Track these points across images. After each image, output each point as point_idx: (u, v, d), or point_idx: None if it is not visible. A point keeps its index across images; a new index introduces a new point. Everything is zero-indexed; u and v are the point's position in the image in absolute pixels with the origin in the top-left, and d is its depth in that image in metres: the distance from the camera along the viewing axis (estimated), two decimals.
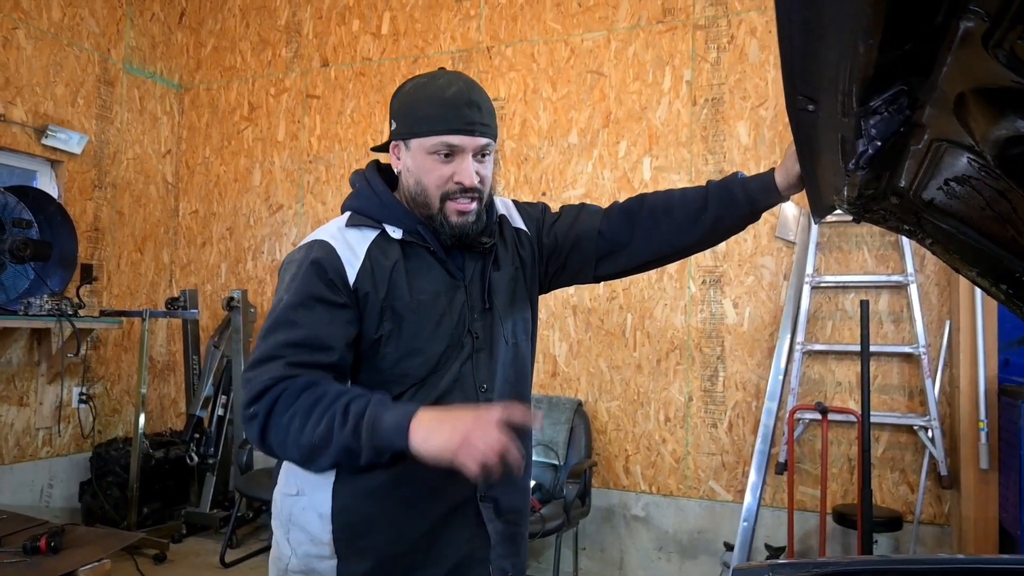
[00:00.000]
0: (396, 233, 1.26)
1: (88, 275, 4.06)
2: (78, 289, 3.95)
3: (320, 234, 1.27)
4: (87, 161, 4.22)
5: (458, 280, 1.29)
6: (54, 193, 4.04)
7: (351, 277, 1.20)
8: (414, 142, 1.24)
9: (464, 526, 1.26)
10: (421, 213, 1.27)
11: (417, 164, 1.25)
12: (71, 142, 4.05)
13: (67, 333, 3.70)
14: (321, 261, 1.20)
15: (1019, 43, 0.51)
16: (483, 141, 1.24)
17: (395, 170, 1.31)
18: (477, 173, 1.24)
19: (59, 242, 3.82)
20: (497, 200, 1.41)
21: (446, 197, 1.24)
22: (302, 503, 1.24)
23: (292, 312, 1.18)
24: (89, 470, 4.03)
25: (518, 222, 1.43)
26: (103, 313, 4.10)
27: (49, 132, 3.93)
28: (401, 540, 1.23)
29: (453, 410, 1.06)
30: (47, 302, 3.63)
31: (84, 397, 4.15)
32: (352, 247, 1.24)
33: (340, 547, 1.22)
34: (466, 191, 1.23)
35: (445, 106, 1.22)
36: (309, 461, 1.11)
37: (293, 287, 1.20)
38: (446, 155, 1.22)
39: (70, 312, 3.68)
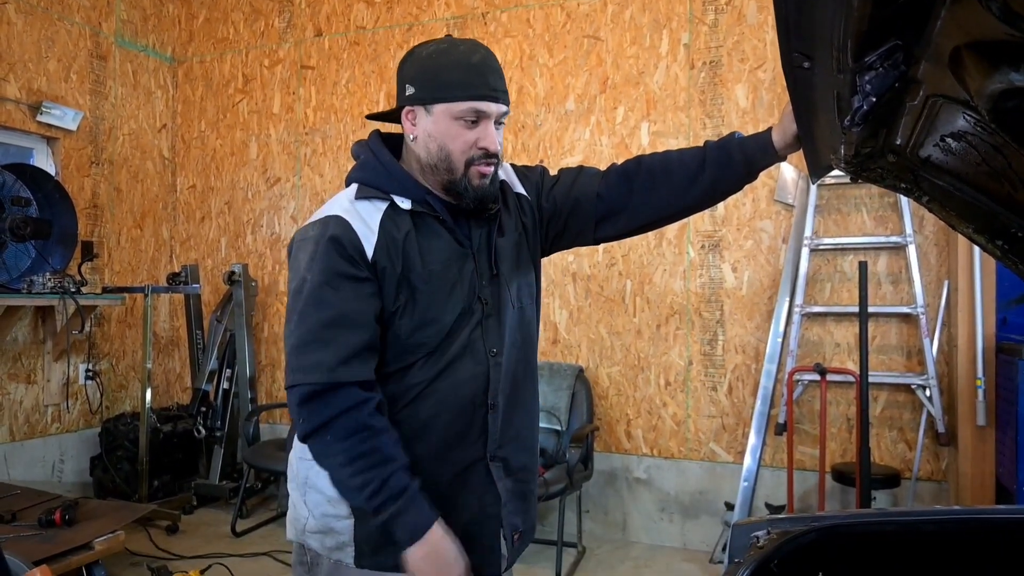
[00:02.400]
0: (405, 204, 1.27)
1: (89, 252, 4.06)
2: (79, 266, 3.96)
3: (333, 209, 1.28)
4: (83, 137, 4.20)
5: (466, 248, 1.31)
6: (51, 170, 4.03)
7: (369, 252, 1.22)
8: (438, 107, 1.24)
9: (476, 484, 1.30)
10: (439, 180, 1.28)
11: (441, 129, 1.25)
12: (66, 118, 4.02)
13: (71, 310, 3.72)
14: (340, 237, 1.22)
15: None
16: (505, 108, 1.27)
17: (410, 136, 1.29)
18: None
19: (59, 220, 3.82)
20: None
21: (470, 163, 1.25)
22: (316, 466, 1.27)
23: (319, 291, 1.20)
24: (99, 445, 4.08)
25: (518, 187, 1.43)
26: (105, 290, 4.12)
27: (44, 109, 3.90)
28: None
29: (449, 549, 1.20)
30: (49, 280, 3.65)
31: (90, 373, 4.19)
32: (366, 221, 1.25)
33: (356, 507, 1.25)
34: (489, 156, 1.25)
35: (472, 72, 1.23)
36: (334, 485, 1.24)
37: (315, 267, 1.21)
38: (472, 121, 1.24)
39: (73, 289, 3.70)
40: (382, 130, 1.40)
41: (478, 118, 1.24)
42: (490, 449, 1.30)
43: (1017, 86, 0.64)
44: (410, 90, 1.27)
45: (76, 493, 3.86)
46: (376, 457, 1.16)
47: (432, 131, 1.25)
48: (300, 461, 1.32)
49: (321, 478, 1.27)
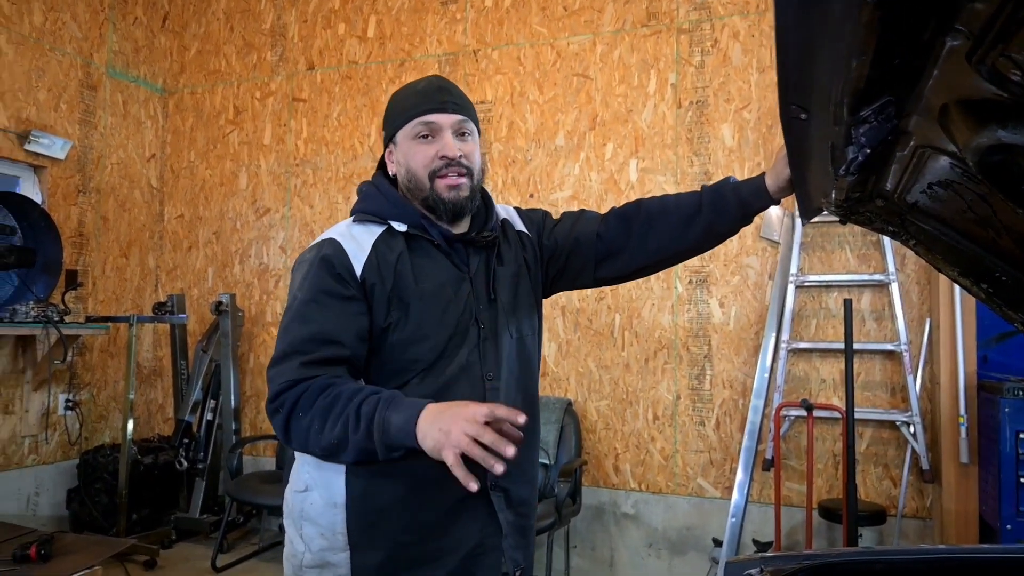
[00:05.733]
0: (401, 227, 1.32)
1: (73, 281, 4.03)
2: (63, 295, 3.92)
3: (329, 233, 1.33)
4: (71, 166, 4.19)
5: (463, 272, 1.33)
6: (38, 199, 4.01)
7: (358, 269, 1.25)
8: (399, 135, 1.33)
9: (476, 516, 1.29)
10: (418, 200, 1.32)
11: (404, 151, 1.32)
12: (54, 147, 4.02)
13: (53, 340, 3.68)
14: (329, 257, 1.26)
15: (1000, 60, 0.54)
16: (458, 117, 1.31)
17: (391, 172, 1.37)
18: (460, 149, 1.30)
19: (43, 248, 3.79)
20: (498, 206, 1.46)
21: (434, 175, 1.30)
22: (311, 498, 1.28)
23: (304, 308, 1.23)
24: (76, 477, 4.00)
25: (520, 226, 1.47)
26: (89, 319, 4.07)
27: (32, 137, 3.90)
28: (413, 529, 1.26)
29: (452, 405, 1.07)
30: (32, 309, 3.61)
31: (70, 404, 4.12)
32: (359, 242, 1.29)
33: (353, 537, 1.25)
34: (451, 164, 1.29)
35: (419, 94, 1.33)
36: (332, 457, 1.17)
37: (305, 285, 1.25)
38: (426, 136, 1.30)
39: (56, 319, 3.66)
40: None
41: (431, 131, 1.30)
42: (491, 478, 1.29)
43: (1003, 142, 0.67)
44: (384, 134, 1.38)
45: (52, 527, 3.77)
46: (341, 400, 1.13)
47: (400, 158, 1.33)
48: (294, 494, 1.32)
49: (315, 509, 1.26)
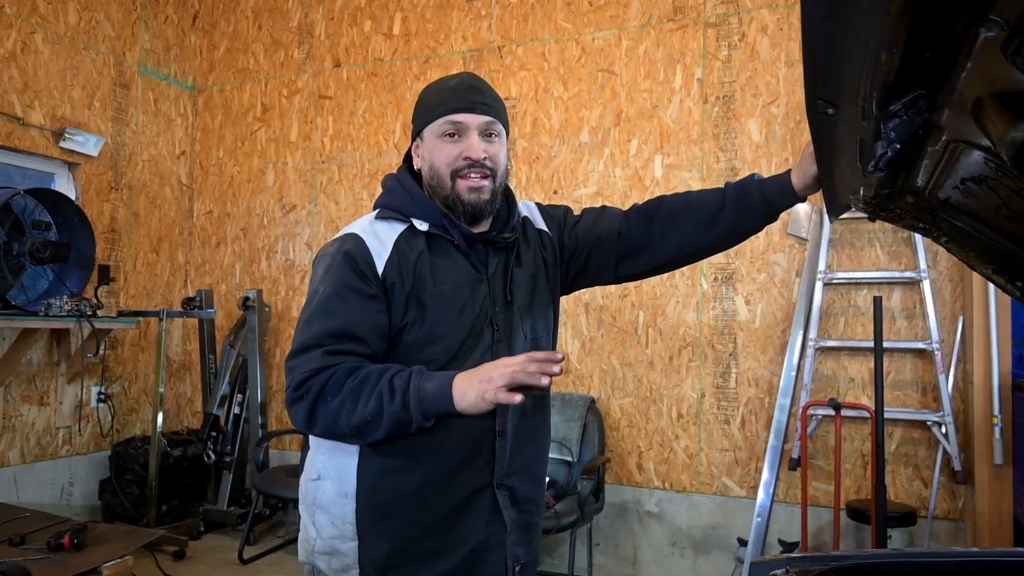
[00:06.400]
0: (423, 226, 1.32)
1: (105, 276, 4.11)
2: (96, 290, 4.00)
3: (352, 228, 1.34)
4: (103, 163, 4.27)
5: (481, 273, 1.33)
6: (71, 195, 4.10)
7: (380, 267, 1.26)
8: (426, 132, 1.33)
9: (481, 512, 1.30)
10: (439, 199, 1.33)
11: (430, 148, 1.33)
12: (88, 144, 4.10)
13: (86, 333, 3.76)
14: (352, 253, 1.27)
15: None
16: (486, 118, 1.31)
17: (417, 167, 1.38)
18: (485, 151, 1.29)
19: (77, 243, 3.87)
20: (520, 203, 1.45)
21: (456, 174, 1.30)
22: (323, 487, 1.30)
23: (327, 302, 1.24)
24: (108, 468, 4.09)
25: (540, 224, 1.46)
26: (121, 313, 4.15)
27: (67, 135, 3.98)
28: (420, 523, 1.27)
29: (485, 364, 1.14)
30: (66, 303, 3.68)
31: (102, 396, 4.21)
32: (381, 239, 1.30)
33: (362, 528, 1.26)
34: (474, 165, 1.29)
35: (449, 92, 1.32)
36: (360, 436, 1.19)
37: (328, 279, 1.26)
38: (453, 135, 1.30)
39: (89, 313, 3.73)
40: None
41: (458, 131, 1.29)
42: (497, 476, 1.30)
43: None
44: (413, 127, 1.38)
45: (84, 516, 3.85)
46: (372, 378, 1.16)
47: (425, 154, 1.34)
48: (308, 482, 1.35)
49: (327, 497, 1.29)
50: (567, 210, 1.52)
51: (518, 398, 1.06)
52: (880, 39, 0.53)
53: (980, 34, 0.55)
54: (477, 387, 1.09)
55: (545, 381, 1.06)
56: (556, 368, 1.07)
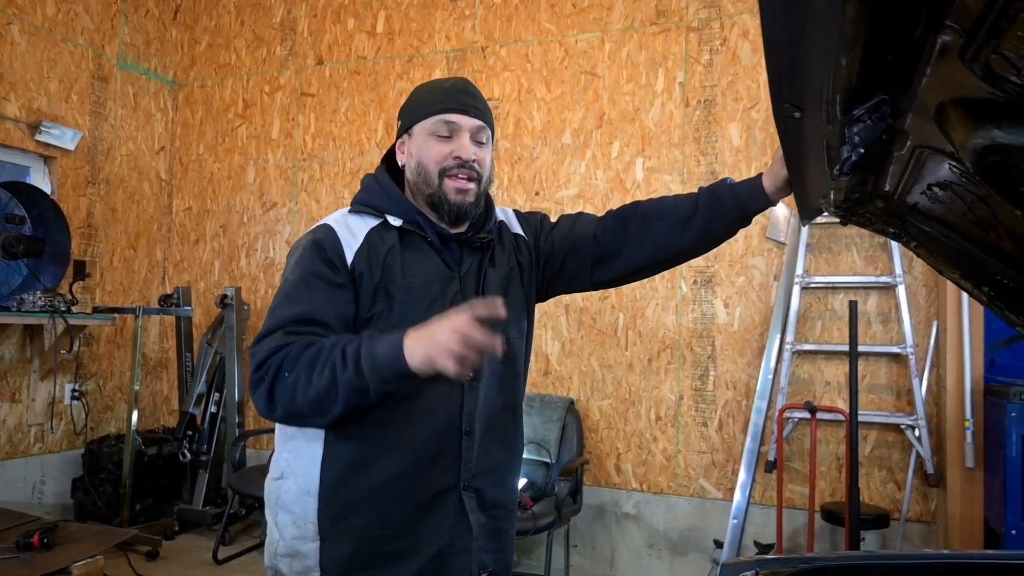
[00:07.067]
0: (396, 222, 1.32)
1: (81, 272, 4.05)
2: (71, 286, 3.95)
3: (325, 220, 1.34)
4: (81, 157, 4.21)
5: (453, 271, 1.33)
6: (47, 189, 4.04)
7: (349, 257, 1.26)
8: (416, 128, 1.34)
9: (447, 514, 1.28)
10: (423, 196, 1.33)
11: (419, 145, 1.33)
12: (65, 138, 4.04)
13: (60, 330, 3.70)
14: (322, 241, 1.27)
15: (994, 57, 0.53)
16: (479, 122, 1.33)
17: (401, 164, 1.38)
18: (475, 154, 1.31)
19: (52, 238, 3.82)
20: (498, 208, 1.45)
21: (444, 173, 1.30)
22: (286, 485, 1.28)
23: (294, 289, 1.24)
24: (81, 467, 4.02)
25: (516, 228, 1.47)
26: (96, 310, 4.10)
27: (43, 128, 3.92)
28: (383, 523, 1.25)
29: (433, 320, 1.09)
30: (40, 298, 3.63)
31: (76, 394, 4.15)
32: (352, 231, 1.30)
33: (323, 527, 1.25)
34: (463, 166, 1.30)
35: (443, 92, 1.34)
36: (320, 413, 1.15)
37: (298, 268, 1.27)
38: (444, 135, 1.31)
39: (63, 308, 3.68)
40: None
41: (450, 131, 1.31)
42: (463, 477, 1.29)
43: (999, 142, 0.66)
44: (399, 124, 1.38)
45: (56, 515, 3.79)
46: (324, 350, 1.14)
47: (413, 150, 1.34)
48: (272, 481, 1.33)
49: (290, 496, 1.27)
50: (543, 216, 1.53)
51: (453, 368, 1.01)
52: (839, 43, 0.53)
53: (938, 40, 0.55)
54: (424, 345, 1.05)
55: (495, 348, 1.02)
56: (501, 312, 1.05)
